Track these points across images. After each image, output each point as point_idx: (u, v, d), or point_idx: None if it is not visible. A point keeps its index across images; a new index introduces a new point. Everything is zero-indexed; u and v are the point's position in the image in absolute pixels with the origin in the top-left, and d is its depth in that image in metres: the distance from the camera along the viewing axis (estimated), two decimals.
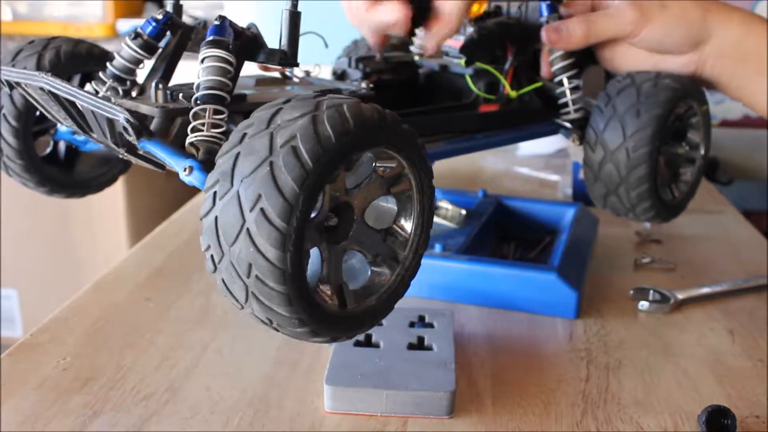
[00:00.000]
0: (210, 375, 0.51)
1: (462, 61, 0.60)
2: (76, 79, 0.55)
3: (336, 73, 0.60)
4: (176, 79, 0.47)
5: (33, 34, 1.66)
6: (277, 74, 0.55)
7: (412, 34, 0.58)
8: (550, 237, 0.73)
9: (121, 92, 0.46)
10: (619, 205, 0.60)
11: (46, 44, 0.53)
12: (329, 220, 0.38)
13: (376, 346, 0.51)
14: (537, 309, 0.60)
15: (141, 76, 0.48)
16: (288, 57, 0.47)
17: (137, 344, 0.55)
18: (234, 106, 0.43)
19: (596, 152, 0.58)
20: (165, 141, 0.41)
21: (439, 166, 0.53)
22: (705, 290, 0.64)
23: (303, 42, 0.48)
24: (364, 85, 0.55)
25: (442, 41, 0.57)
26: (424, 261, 0.43)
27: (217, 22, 0.43)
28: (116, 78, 0.46)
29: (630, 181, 0.57)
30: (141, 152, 0.42)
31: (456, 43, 0.60)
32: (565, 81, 0.61)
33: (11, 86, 0.47)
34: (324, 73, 0.58)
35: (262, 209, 0.33)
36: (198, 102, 0.41)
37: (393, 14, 0.55)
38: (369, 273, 0.41)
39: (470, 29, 0.60)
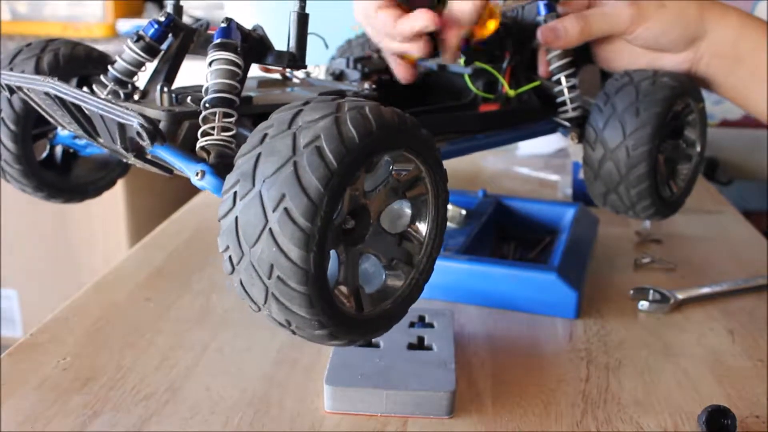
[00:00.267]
0: (210, 375, 0.51)
1: (461, 61, 0.60)
2: (74, 82, 0.55)
3: (334, 73, 0.60)
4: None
5: (33, 34, 1.66)
6: (277, 76, 0.55)
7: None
8: (550, 237, 0.73)
9: (122, 95, 0.46)
10: (619, 203, 0.60)
11: (44, 47, 0.52)
12: (347, 222, 0.38)
13: (376, 346, 0.51)
14: (537, 309, 0.60)
15: (142, 79, 0.48)
16: (296, 59, 0.46)
17: (137, 344, 0.55)
18: (241, 108, 0.43)
19: (596, 151, 0.58)
20: (174, 145, 0.41)
21: None
22: (705, 290, 0.64)
23: None
24: (366, 85, 0.55)
25: (458, 43, 0.56)
26: None
27: (224, 25, 0.43)
28: (117, 81, 0.46)
29: (630, 179, 0.57)
30: (149, 157, 0.42)
31: None
32: (563, 80, 0.61)
33: (12, 90, 0.46)
34: (317, 73, 0.58)
35: (285, 209, 0.33)
36: (207, 105, 0.41)
37: (424, 20, 0.53)
38: (384, 277, 0.41)
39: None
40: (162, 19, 0.45)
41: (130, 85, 0.46)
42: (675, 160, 0.63)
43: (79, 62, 0.53)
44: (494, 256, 0.71)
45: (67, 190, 0.59)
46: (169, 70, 0.46)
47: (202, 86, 0.43)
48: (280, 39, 0.48)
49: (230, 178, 0.35)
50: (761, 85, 0.62)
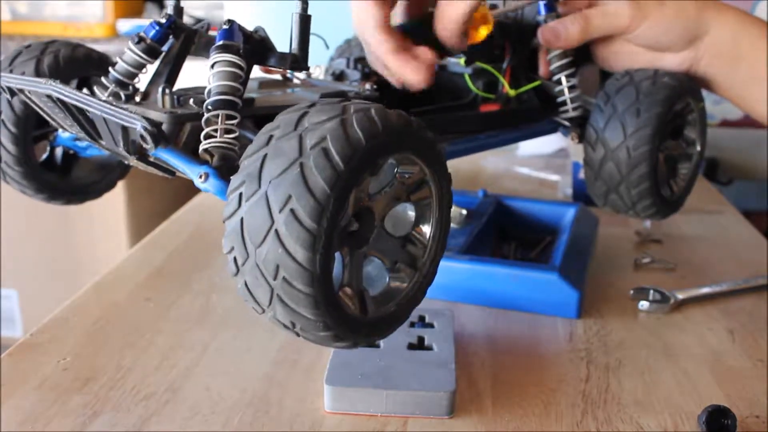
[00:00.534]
0: (210, 375, 0.51)
1: (461, 61, 0.59)
2: (74, 83, 0.55)
3: (334, 73, 0.60)
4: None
5: (33, 35, 1.66)
6: (278, 77, 0.55)
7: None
8: (550, 237, 0.73)
9: (123, 97, 0.46)
10: (620, 202, 0.60)
11: (44, 48, 0.52)
12: (351, 225, 0.38)
13: (376, 346, 0.51)
14: (538, 309, 0.60)
15: (143, 81, 0.47)
16: (299, 60, 0.46)
17: (137, 344, 0.55)
18: (244, 110, 0.43)
19: (597, 151, 0.58)
20: (177, 148, 0.41)
21: None
22: (705, 290, 0.64)
23: None
24: (368, 86, 0.54)
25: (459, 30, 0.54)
26: None
27: (226, 26, 0.43)
28: (118, 83, 0.46)
29: (631, 179, 0.57)
30: (152, 159, 0.42)
31: None
32: (563, 80, 0.61)
33: (12, 93, 0.46)
34: (317, 73, 0.58)
35: (292, 210, 0.33)
36: (210, 108, 0.41)
37: (422, 72, 0.52)
38: (387, 279, 0.41)
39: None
40: (163, 20, 0.45)
41: (131, 87, 0.46)
42: (675, 160, 0.63)
43: (79, 64, 0.53)
44: (495, 256, 0.71)
45: (67, 191, 0.59)
46: (170, 72, 0.46)
47: (203, 88, 0.43)
48: (279, 39, 0.48)
49: (236, 179, 0.35)
50: (760, 85, 0.62)
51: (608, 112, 0.58)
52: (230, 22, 0.43)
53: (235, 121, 0.41)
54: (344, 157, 0.33)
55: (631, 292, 0.63)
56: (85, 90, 0.47)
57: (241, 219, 0.34)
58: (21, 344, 0.54)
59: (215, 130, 0.40)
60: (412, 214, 0.42)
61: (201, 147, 0.41)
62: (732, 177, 1.45)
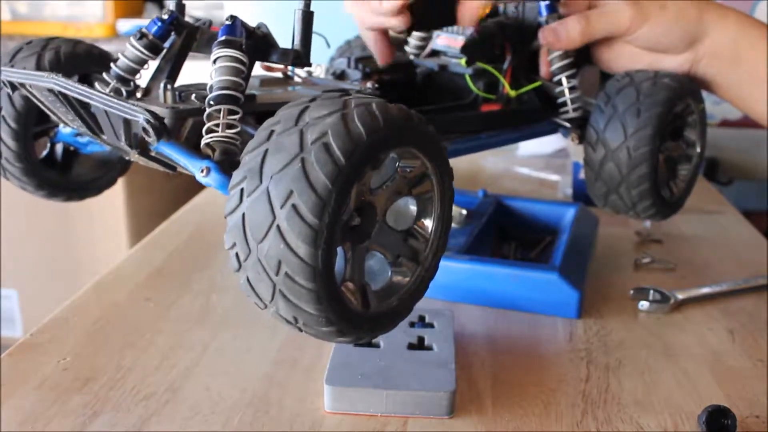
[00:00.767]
0: (210, 375, 0.51)
1: (462, 61, 0.60)
2: (74, 80, 0.55)
3: (335, 73, 0.60)
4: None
5: (33, 34, 1.65)
6: (279, 74, 0.55)
7: (414, 28, 0.58)
8: (550, 237, 0.73)
9: (124, 93, 0.46)
10: (620, 203, 0.60)
11: (45, 44, 0.52)
12: (353, 219, 0.38)
13: (376, 346, 0.51)
14: (538, 309, 0.60)
15: (144, 77, 0.48)
16: (301, 57, 0.46)
17: (137, 344, 0.55)
18: (245, 106, 0.43)
19: (597, 151, 0.58)
20: (179, 142, 0.41)
21: None
22: (705, 290, 0.64)
23: None
24: (369, 84, 0.55)
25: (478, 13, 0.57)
26: None
27: (228, 22, 0.43)
28: (120, 78, 0.46)
29: (631, 179, 0.57)
30: (153, 154, 0.42)
31: (456, 42, 0.60)
32: (564, 81, 0.61)
33: (14, 87, 0.46)
34: (318, 72, 0.58)
35: (293, 205, 0.33)
36: (212, 103, 0.41)
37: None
38: (389, 274, 0.41)
39: (470, 29, 0.60)
40: (165, 16, 0.45)
41: (132, 84, 0.46)
42: (675, 161, 0.63)
43: (80, 60, 0.53)
44: (495, 256, 0.71)
45: (67, 188, 0.59)
46: (172, 68, 0.46)
47: (205, 85, 0.43)
48: (280, 39, 0.48)
49: (237, 175, 0.35)
50: (760, 86, 0.62)
51: (609, 113, 0.58)
52: (233, 18, 0.43)
53: (237, 116, 0.41)
54: (345, 152, 0.33)
55: (631, 292, 0.63)
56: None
57: (243, 215, 0.34)
58: (21, 344, 0.54)
59: (217, 125, 0.41)
60: (413, 208, 0.42)
61: (203, 141, 0.41)
62: (732, 177, 1.45)
